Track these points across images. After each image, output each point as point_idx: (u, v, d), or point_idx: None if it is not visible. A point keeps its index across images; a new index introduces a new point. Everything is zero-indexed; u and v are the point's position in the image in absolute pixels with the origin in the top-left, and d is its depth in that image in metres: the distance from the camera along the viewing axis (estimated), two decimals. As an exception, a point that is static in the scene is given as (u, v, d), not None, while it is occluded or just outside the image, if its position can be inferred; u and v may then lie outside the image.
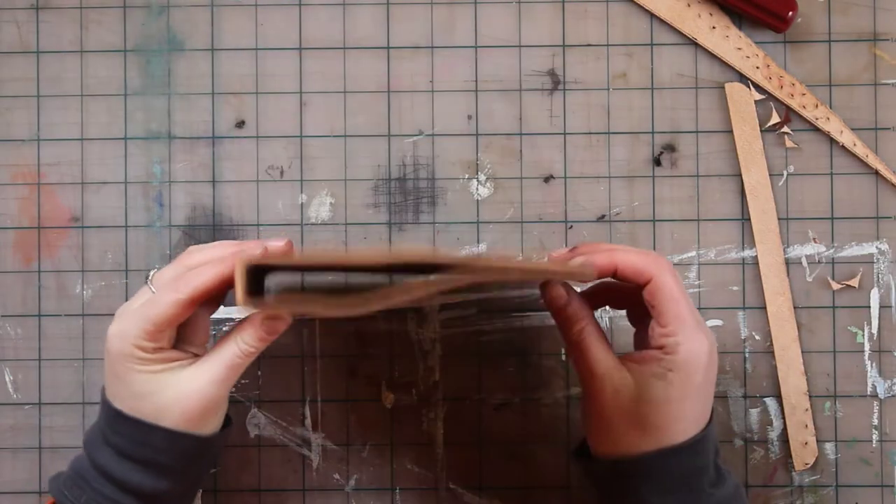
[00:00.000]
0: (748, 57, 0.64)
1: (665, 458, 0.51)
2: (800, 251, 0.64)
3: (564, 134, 0.65)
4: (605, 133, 0.65)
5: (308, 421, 0.65)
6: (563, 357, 0.65)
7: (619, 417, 0.51)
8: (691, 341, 0.51)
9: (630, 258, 0.52)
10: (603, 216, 0.65)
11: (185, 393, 0.52)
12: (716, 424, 0.54)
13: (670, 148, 0.65)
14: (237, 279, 0.47)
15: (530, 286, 0.61)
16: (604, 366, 0.52)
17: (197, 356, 0.54)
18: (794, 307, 0.64)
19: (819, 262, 0.64)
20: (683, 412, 0.51)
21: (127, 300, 0.65)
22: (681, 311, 0.51)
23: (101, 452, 0.53)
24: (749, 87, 0.64)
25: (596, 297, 0.58)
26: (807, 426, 0.64)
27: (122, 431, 0.52)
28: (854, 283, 0.64)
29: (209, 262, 0.52)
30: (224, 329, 0.64)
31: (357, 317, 0.47)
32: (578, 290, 0.56)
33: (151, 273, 0.54)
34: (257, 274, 0.51)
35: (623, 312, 0.60)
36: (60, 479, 0.55)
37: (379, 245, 0.65)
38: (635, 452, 0.51)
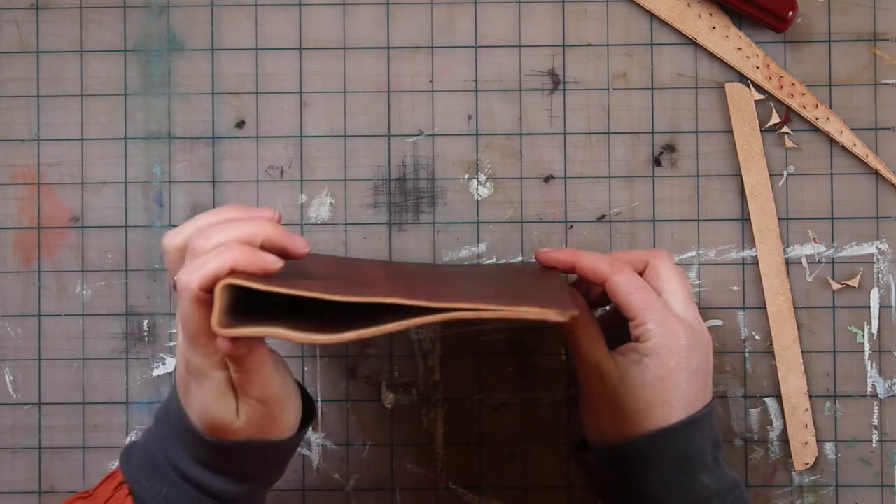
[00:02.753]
0: (748, 57, 0.64)
1: (653, 442, 0.52)
2: (800, 251, 0.64)
3: (564, 134, 0.65)
4: (605, 133, 0.65)
5: (308, 421, 0.65)
6: (564, 357, 0.65)
7: (605, 404, 0.54)
8: (662, 326, 0.53)
9: (589, 259, 0.55)
10: (603, 216, 0.65)
11: (253, 417, 0.50)
12: (714, 416, 0.55)
13: (670, 148, 0.65)
14: (215, 303, 0.45)
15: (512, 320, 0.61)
16: (592, 355, 0.54)
17: None
18: (794, 307, 0.64)
19: (819, 262, 0.64)
20: (664, 396, 0.53)
21: (127, 300, 0.65)
22: (644, 301, 0.53)
23: (178, 454, 0.52)
24: (749, 87, 0.64)
25: (600, 298, 0.60)
26: (807, 426, 0.64)
27: (194, 440, 0.51)
28: (854, 283, 0.64)
29: (212, 250, 0.48)
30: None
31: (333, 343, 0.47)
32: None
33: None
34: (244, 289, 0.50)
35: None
36: (131, 461, 0.53)
37: (378, 244, 0.65)
38: (624, 438, 0.53)
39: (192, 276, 0.47)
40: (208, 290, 0.46)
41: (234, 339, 0.47)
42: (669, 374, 0.53)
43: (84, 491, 0.55)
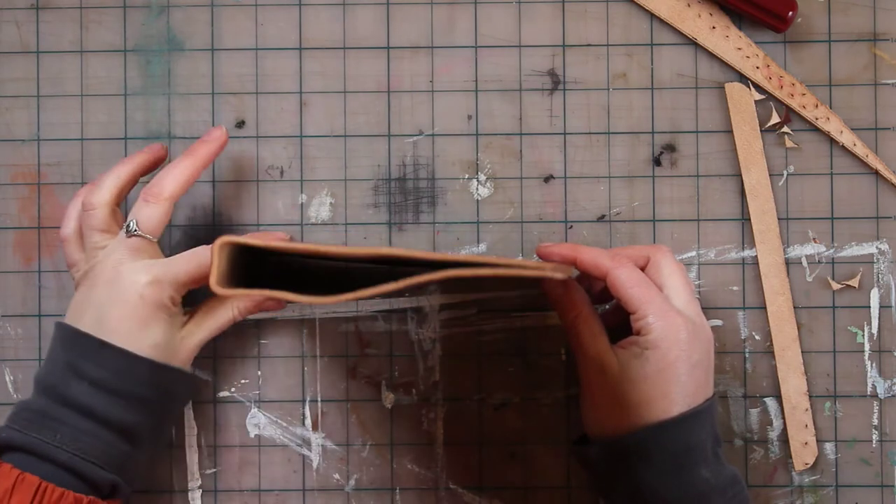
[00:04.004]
0: (748, 57, 0.64)
1: (652, 434, 0.53)
2: (800, 251, 0.64)
3: (564, 134, 0.65)
4: (605, 133, 0.65)
5: (308, 421, 0.65)
6: (564, 357, 0.65)
7: (606, 397, 0.54)
8: (663, 320, 0.53)
9: (590, 253, 0.56)
10: (603, 216, 0.65)
11: (184, 346, 0.57)
12: (714, 411, 0.55)
13: (670, 148, 0.65)
14: (213, 261, 0.47)
15: (520, 285, 0.62)
16: (593, 349, 0.55)
17: (185, 310, 0.58)
18: (794, 307, 0.64)
19: (819, 262, 0.64)
20: (664, 389, 0.53)
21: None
22: (645, 295, 0.54)
23: (75, 388, 0.53)
24: (749, 87, 0.64)
25: (602, 294, 0.61)
26: (807, 426, 0.64)
27: (106, 364, 0.53)
28: (854, 283, 0.64)
29: (168, 168, 0.57)
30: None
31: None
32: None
33: (132, 222, 0.56)
34: (247, 257, 0.52)
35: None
36: (13, 426, 0.53)
37: (378, 244, 0.65)
38: (624, 431, 0.53)
39: (163, 187, 0.57)
40: (177, 194, 0.57)
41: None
42: (669, 367, 0.53)
43: None
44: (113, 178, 0.58)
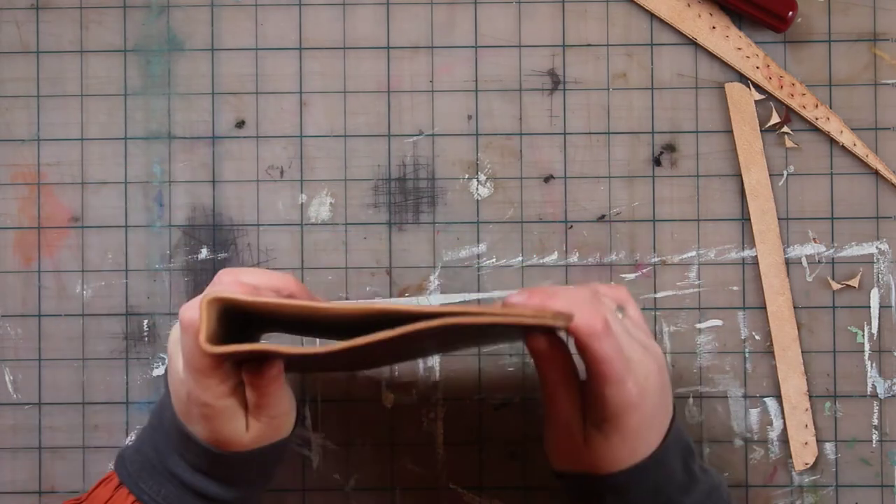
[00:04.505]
0: (748, 57, 0.64)
1: (625, 477, 0.51)
2: (800, 251, 0.64)
3: (564, 134, 0.65)
4: (605, 133, 0.65)
5: (308, 421, 0.65)
6: (563, 357, 0.65)
7: (571, 452, 0.52)
8: (619, 396, 0.49)
9: (560, 306, 0.49)
10: (603, 216, 0.65)
11: (264, 430, 0.52)
12: (679, 429, 0.53)
13: (670, 148, 0.65)
14: (202, 318, 0.45)
15: (506, 336, 0.59)
16: (565, 416, 0.52)
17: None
18: (794, 307, 0.64)
19: (819, 262, 0.64)
20: (629, 447, 0.51)
21: (127, 300, 0.65)
22: (609, 372, 0.49)
23: (174, 460, 0.53)
24: (749, 87, 0.64)
25: None
26: (807, 426, 0.64)
27: (195, 452, 0.52)
28: (854, 283, 0.64)
29: (237, 283, 0.51)
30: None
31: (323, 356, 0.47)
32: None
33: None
34: (241, 323, 0.50)
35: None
36: (128, 465, 0.53)
37: (377, 244, 0.65)
38: (593, 472, 0.52)
39: (195, 310, 0.48)
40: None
41: (252, 371, 0.49)
42: (631, 436, 0.51)
43: (76, 498, 0.55)
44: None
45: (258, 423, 0.52)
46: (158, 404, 0.55)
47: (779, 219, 0.64)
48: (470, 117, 0.65)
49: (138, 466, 0.53)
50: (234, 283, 0.51)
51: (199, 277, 0.65)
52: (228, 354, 0.47)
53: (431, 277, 0.65)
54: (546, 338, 0.51)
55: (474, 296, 0.64)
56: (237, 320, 0.50)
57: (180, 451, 0.52)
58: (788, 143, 0.64)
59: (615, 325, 0.50)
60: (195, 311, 0.48)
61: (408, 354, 0.59)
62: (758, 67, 0.64)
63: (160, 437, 0.53)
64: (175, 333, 0.52)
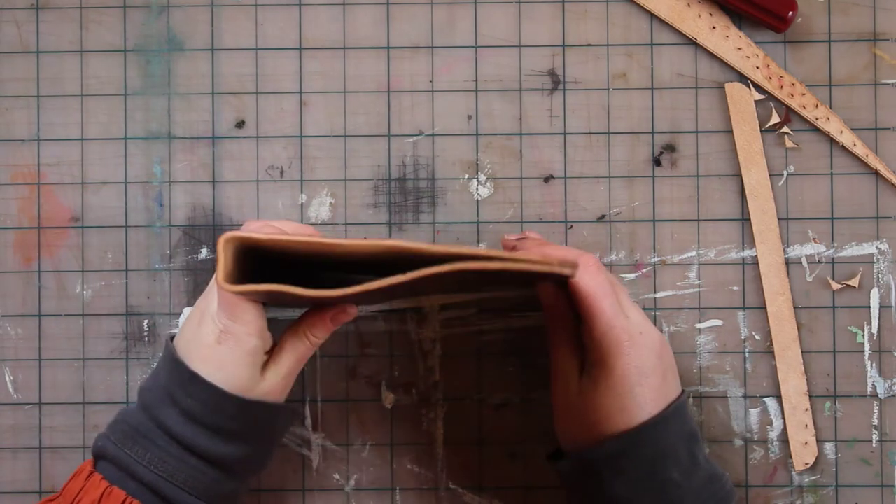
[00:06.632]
0: (748, 57, 0.64)
1: (618, 445, 0.52)
2: (800, 251, 0.64)
3: (564, 134, 0.65)
4: (605, 133, 0.65)
5: (308, 421, 0.65)
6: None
7: (570, 411, 0.55)
8: (605, 337, 0.53)
9: (557, 253, 0.55)
10: (603, 216, 0.65)
11: (271, 384, 0.55)
12: (685, 411, 0.54)
13: (670, 148, 0.65)
14: (218, 258, 0.47)
15: (513, 283, 0.62)
16: (562, 365, 0.55)
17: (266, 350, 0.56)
18: (794, 307, 0.64)
19: (819, 262, 0.64)
20: (619, 403, 0.53)
21: (127, 300, 0.65)
22: (598, 307, 0.53)
23: (167, 412, 0.53)
24: (749, 87, 0.64)
25: None
26: (807, 426, 0.64)
27: (195, 395, 0.53)
28: (854, 283, 0.64)
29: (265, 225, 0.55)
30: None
31: (338, 297, 0.48)
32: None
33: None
34: (254, 263, 0.52)
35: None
36: (110, 435, 0.54)
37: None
38: (592, 443, 0.53)
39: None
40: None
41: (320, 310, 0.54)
42: (619, 383, 0.52)
43: (50, 496, 0.55)
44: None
45: (273, 375, 0.55)
46: (156, 367, 0.56)
47: (779, 219, 0.64)
48: (470, 117, 0.65)
49: (123, 433, 0.54)
50: (263, 227, 0.55)
51: (199, 277, 0.65)
52: (249, 292, 0.49)
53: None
54: (551, 288, 0.56)
55: (474, 296, 0.64)
56: (264, 262, 0.52)
57: (179, 399, 0.53)
58: (788, 143, 0.64)
59: (610, 276, 0.54)
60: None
61: (421, 291, 0.62)
62: (758, 67, 0.64)
63: (152, 395, 0.54)
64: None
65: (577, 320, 0.56)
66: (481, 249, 0.49)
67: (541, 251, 0.56)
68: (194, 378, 0.53)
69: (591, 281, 0.53)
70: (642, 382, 0.53)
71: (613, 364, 0.52)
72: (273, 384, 0.55)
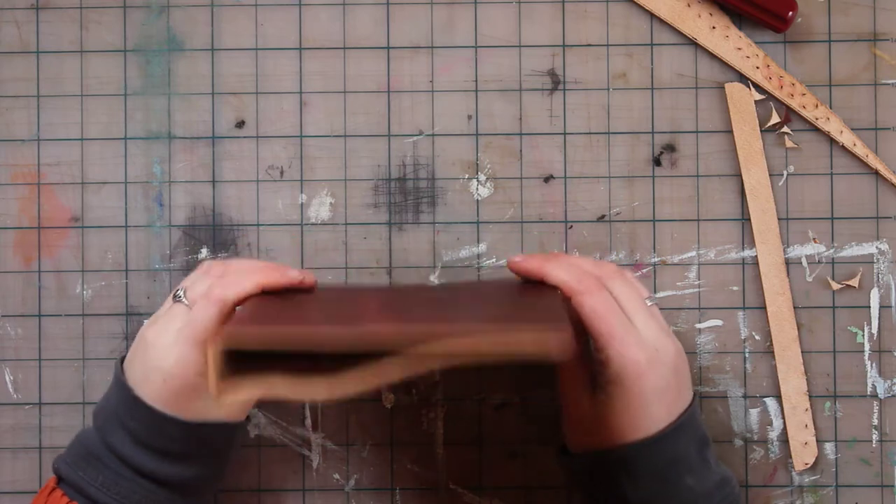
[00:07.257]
0: (748, 57, 0.64)
1: (634, 451, 0.52)
2: (800, 251, 0.64)
3: (564, 134, 0.65)
4: (605, 133, 0.65)
5: (308, 421, 0.65)
6: (563, 357, 0.65)
7: (582, 419, 0.54)
8: (621, 355, 0.51)
9: (558, 273, 0.53)
10: (603, 216, 0.65)
11: (230, 411, 0.54)
12: (696, 416, 0.54)
13: (670, 148, 0.65)
14: (210, 364, 0.46)
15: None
16: (572, 380, 0.55)
17: None
18: (794, 307, 0.64)
19: (819, 262, 0.64)
20: (633, 419, 0.52)
21: (127, 300, 0.65)
22: (606, 328, 0.52)
23: (116, 435, 0.54)
24: (749, 87, 0.64)
25: None
26: (807, 426, 0.64)
27: (138, 417, 0.53)
28: (854, 283, 0.64)
29: (244, 270, 0.54)
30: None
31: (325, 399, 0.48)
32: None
33: (181, 291, 0.54)
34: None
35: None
36: (66, 458, 0.55)
37: (377, 244, 0.65)
38: (605, 447, 0.53)
39: (227, 290, 0.53)
40: (239, 302, 0.53)
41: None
42: (635, 403, 0.52)
43: None
44: (251, 285, 0.54)
45: (233, 403, 0.54)
46: (106, 392, 0.56)
47: (779, 219, 0.64)
48: (470, 117, 0.65)
49: (77, 455, 0.54)
50: (220, 305, 0.53)
51: (199, 277, 0.65)
52: (244, 399, 0.49)
53: (431, 277, 0.65)
54: (561, 298, 0.54)
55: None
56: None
57: (124, 423, 0.53)
58: (788, 143, 0.64)
59: (618, 289, 0.53)
60: (225, 290, 0.52)
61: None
62: (758, 67, 0.64)
63: (104, 418, 0.54)
64: (168, 307, 0.54)
65: (586, 333, 0.54)
66: (457, 325, 0.47)
67: (545, 265, 0.54)
68: (137, 401, 0.53)
69: (595, 304, 0.52)
70: (659, 398, 0.52)
71: (630, 386, 0.52)
72: (231, 407, 0.54)
